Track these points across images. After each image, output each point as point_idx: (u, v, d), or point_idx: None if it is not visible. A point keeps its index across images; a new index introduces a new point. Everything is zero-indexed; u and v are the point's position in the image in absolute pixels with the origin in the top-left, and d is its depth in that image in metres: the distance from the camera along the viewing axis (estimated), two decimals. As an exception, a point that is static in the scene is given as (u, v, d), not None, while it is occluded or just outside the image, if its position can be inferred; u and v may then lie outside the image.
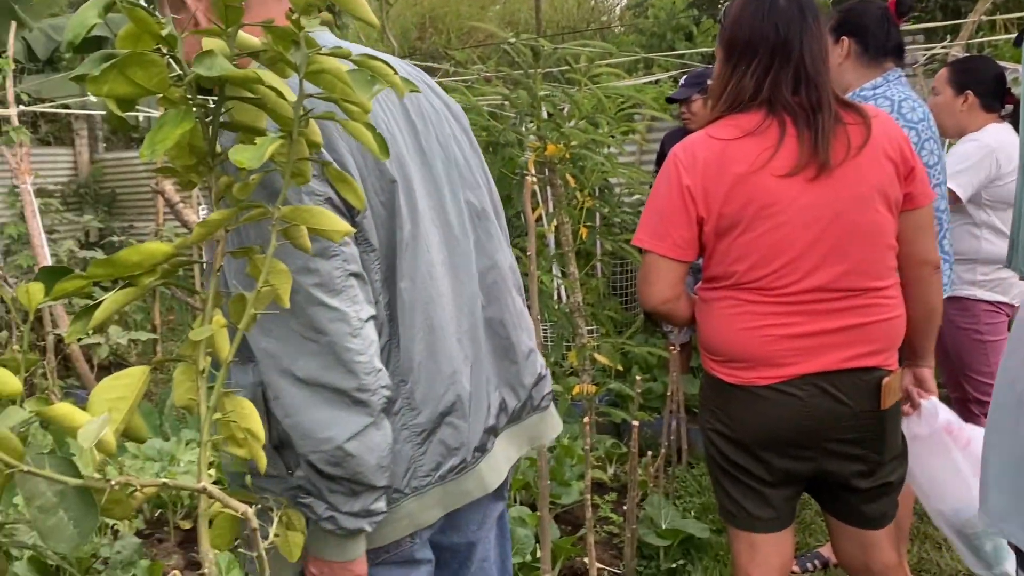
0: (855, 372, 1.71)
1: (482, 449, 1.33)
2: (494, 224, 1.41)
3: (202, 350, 0.85)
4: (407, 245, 1.21)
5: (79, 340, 4.24)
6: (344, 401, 1.10)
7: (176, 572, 2.90)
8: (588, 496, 2.46)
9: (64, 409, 0.72)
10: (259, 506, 0.86)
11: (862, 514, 1.83)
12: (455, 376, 1.27)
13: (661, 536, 2.87)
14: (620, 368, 3.87)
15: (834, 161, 1.65)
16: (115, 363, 4.65)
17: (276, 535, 1.00)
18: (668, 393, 3.43)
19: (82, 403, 0.78)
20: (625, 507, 2.84)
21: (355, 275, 1.11)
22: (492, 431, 1.36)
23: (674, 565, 2.85)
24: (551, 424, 1.52)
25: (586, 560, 2.51)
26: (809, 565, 2.90)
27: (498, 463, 1.38)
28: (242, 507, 0.80)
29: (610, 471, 3.61)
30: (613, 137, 3.89)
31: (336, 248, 1.09)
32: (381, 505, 1.17)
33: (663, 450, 3.30)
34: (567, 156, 3.27)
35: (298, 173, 0.91)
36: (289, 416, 1.11)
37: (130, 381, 0.85)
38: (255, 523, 0.80)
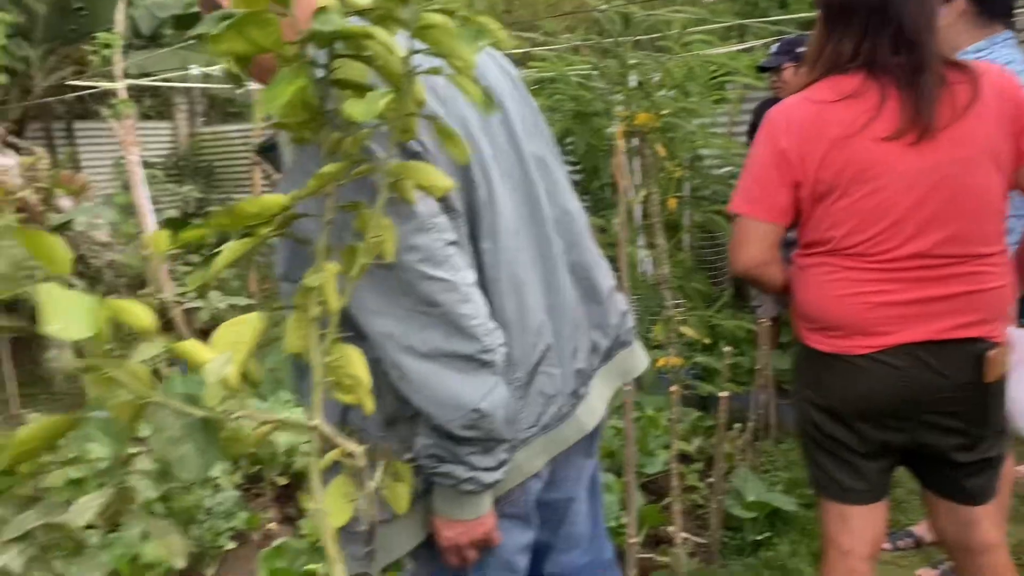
0: (957, 343, 1.66)
1: (576, 394, 1.37)
2: (556, 171, 1.42)
3: (314, 298, 0.89)
4: (484, 205, 1.22)
5: (180, 304, 4.43)
6: (471, 365, 1.13)
7: (272, 524, 3.05)
8: (674, 464, 2.46)
9: (191, 345, 0.77)
10: (367, 447, 0.90)
11: (963, 489, 1.78)
12: (542, 327, 1.30)
13: (747, 508, 2.85)
14: (708, 341, 3.83)
15: (938, 124, 1.59)
16: (214, 327, 4.83)
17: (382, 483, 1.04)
18: (757, 367, 3.38)
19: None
20: (710, 479, 2.83)
21: (453, 243, 1.14)
22: (584, 374, 1.39)
23: (760, 537, 2.83)
24: (639, 357, 1.55)
25: (671, 528, 2.51)
26: (901, 543, 2.84)
27: (593, 405, 1.41)
28: (351, 446, 0.84)
29: (695, 443, 3.59)
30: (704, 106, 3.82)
31: (430, 221, 1.11)
32: (507, 455, 1.22)
33: (751, 424, 3.27)
34: (657, 125, 3.24)
35: (405, 129, 0.94)
36: (420, 391, 1.14)
37: (247, 327, 0.90)
38: (363, 461, 0.85)
